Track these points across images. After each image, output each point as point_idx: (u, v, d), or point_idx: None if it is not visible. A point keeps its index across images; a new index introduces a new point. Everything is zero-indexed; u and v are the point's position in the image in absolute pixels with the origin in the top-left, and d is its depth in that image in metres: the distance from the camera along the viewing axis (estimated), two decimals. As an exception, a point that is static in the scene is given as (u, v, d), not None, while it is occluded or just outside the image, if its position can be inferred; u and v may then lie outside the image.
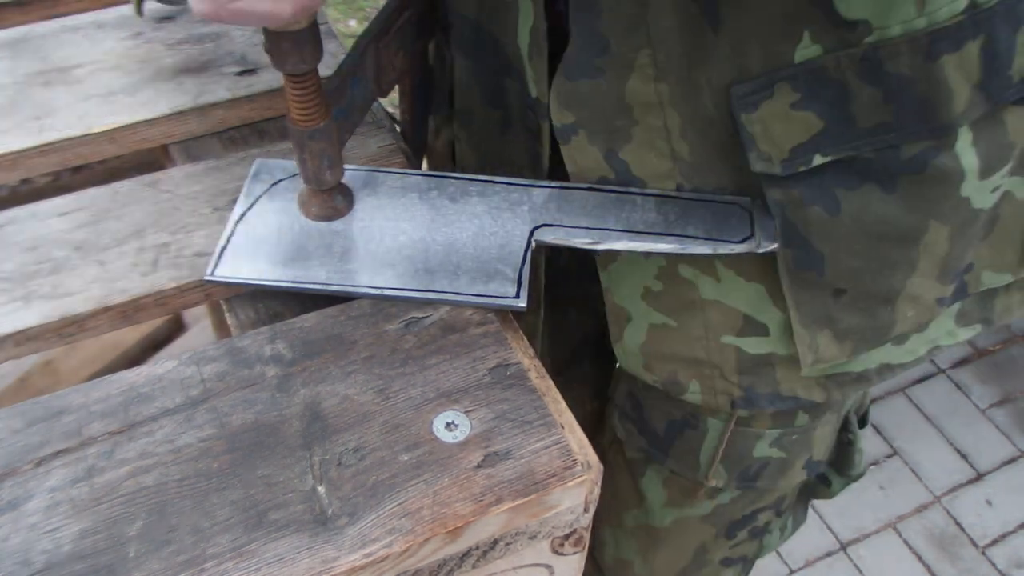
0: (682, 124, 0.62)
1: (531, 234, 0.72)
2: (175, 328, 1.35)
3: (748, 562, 0.95)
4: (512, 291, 0.68)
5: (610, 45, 0.60)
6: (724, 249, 0.72)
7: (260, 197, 0.74)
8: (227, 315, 0.70)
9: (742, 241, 0.73)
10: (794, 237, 0.62)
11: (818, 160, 0.58)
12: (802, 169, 0.59)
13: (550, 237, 0.72)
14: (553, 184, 0.77)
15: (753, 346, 0.68)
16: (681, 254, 0.67)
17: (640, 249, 0.73)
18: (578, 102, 0.65)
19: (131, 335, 1.30)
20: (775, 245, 0.70)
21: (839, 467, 0.90)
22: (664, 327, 0.71)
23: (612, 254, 0.72)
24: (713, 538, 0.87)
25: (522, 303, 0.67)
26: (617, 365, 0.86)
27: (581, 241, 0.72)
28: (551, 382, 0.63)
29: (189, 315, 1.36)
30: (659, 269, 0.69)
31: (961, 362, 1.94)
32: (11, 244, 0.71)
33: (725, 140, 0.61)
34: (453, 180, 0.77)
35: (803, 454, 0.79)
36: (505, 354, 0.64)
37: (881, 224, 0.60)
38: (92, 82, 0.86)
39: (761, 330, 0.67)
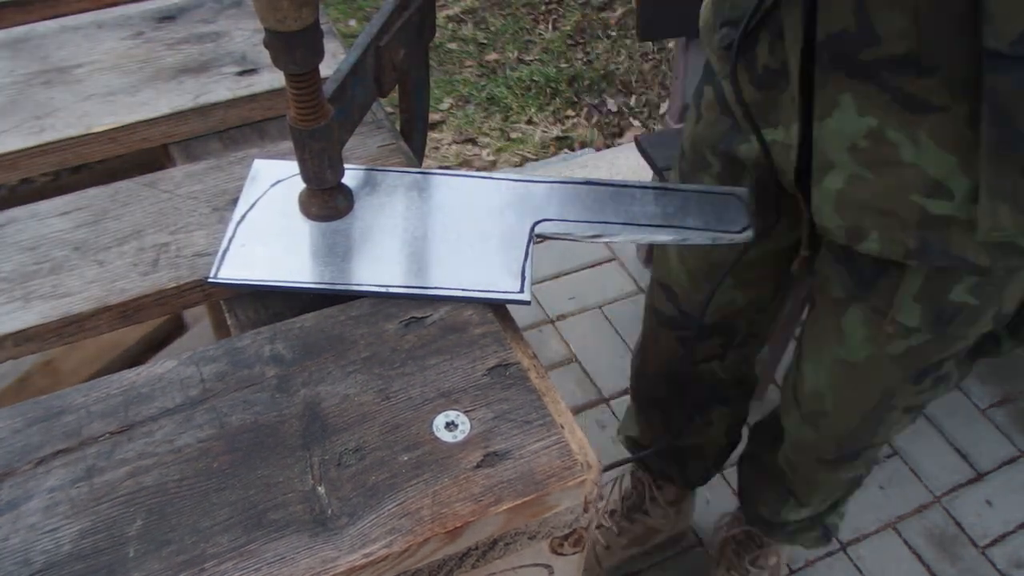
0: None
1: (532, 228, 0.72)
2: (175, 328, 1.35)
3: (918, 412, 1.04)
4: (516, 286, 0.68)
5: None
6: (724, 240, 0.73)
7: (260, 198, 0.74)
8: (227, 315, 0.70)
9: (741, 231, 0.73)
10: (1001, 118, 0.67)
11: None
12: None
13: (551, 231, 0.73)
14: (553, 179, 0.77)
15: (936, 207, 0.76)
16: (888, 120, 0.74)
17: (641, 241, 0.74)
18: None
19: (131, 335, 1.29)
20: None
21: (1014, 328, 0.96)
22: (861, 178, 0.78)
23: (830, 107, 0.77)
24: (901, 381, 0.95)
25: (526, 297, 0.67)
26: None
27: (582, 234, 0.73)
28: (551, 382, 0.63)
29: (189, 315, 1.36)
30: (868, 129, 0.75)
31: (961, 362, 1.94)
32: (11, 244, 0.71)
33: (963, 12, 0.65)
34: (454, 177, 0.77)
35: (993, 305, 0.86)
36: (505, 354, 0.64)
37: None
38: (92, 82, 0.86)
39: (947, 195, 0.74)
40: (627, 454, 1.68)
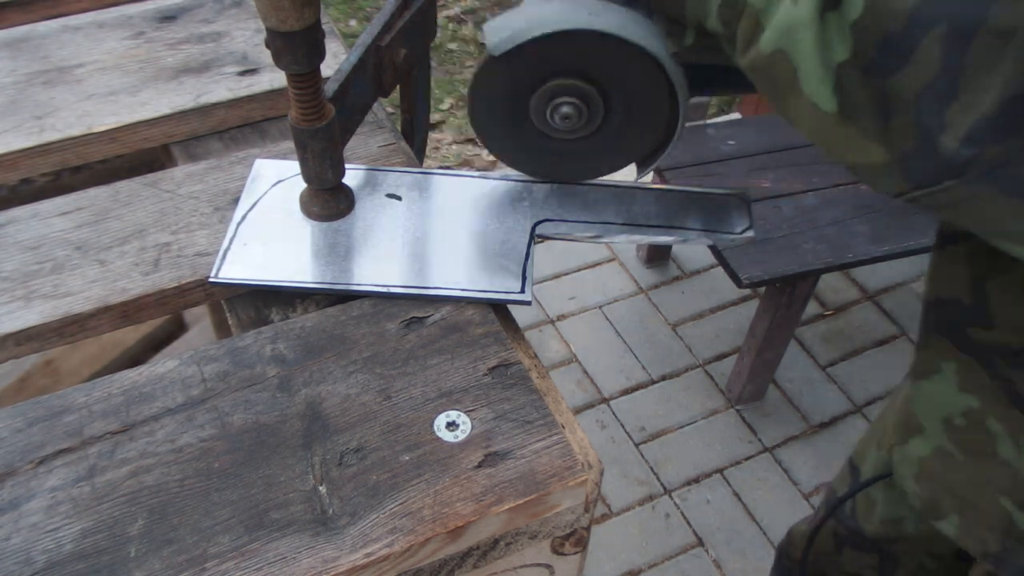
0: None
1: (533, 229, 0.72)
2: (176, 328, 1.35)
3: None
4: (517, 286, 0.68)
5: None
6: (724, 241, 0.73)
7: (261, 198, 0.74)
8: (228, 315, 0.70)
9: (742, 232, 0.73)
10: None
11: None
12: None
13: (552, 231, 0.73)
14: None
15: None
16: (993, 408, 0.66)
17: (641, 242, 0.74)
18: None
19: (132, 335, 1.29)
20: None
21: None
22: (951, 456, 0.72)
23: (931, 368, 0.71)
24: None
25: (527, 297, 0.67)
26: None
27: (583, 235, 0.73)
28: (552, 382, 0.63)
29: (190, 315, 1.35)
30: (968, 408, 0.69)
31: (961, 362, 1.94)
32: (12, 244, 0.71)
33: None
34: (454, 177, 0.77)
35: None
36: (506, 354, 0.64)
37: None
38: (93, 82, 0.86)
39: None
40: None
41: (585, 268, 2.11)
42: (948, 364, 0.69)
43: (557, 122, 0.68)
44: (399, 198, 0.72)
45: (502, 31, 0.64)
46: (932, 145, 0.45)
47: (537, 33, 0.63)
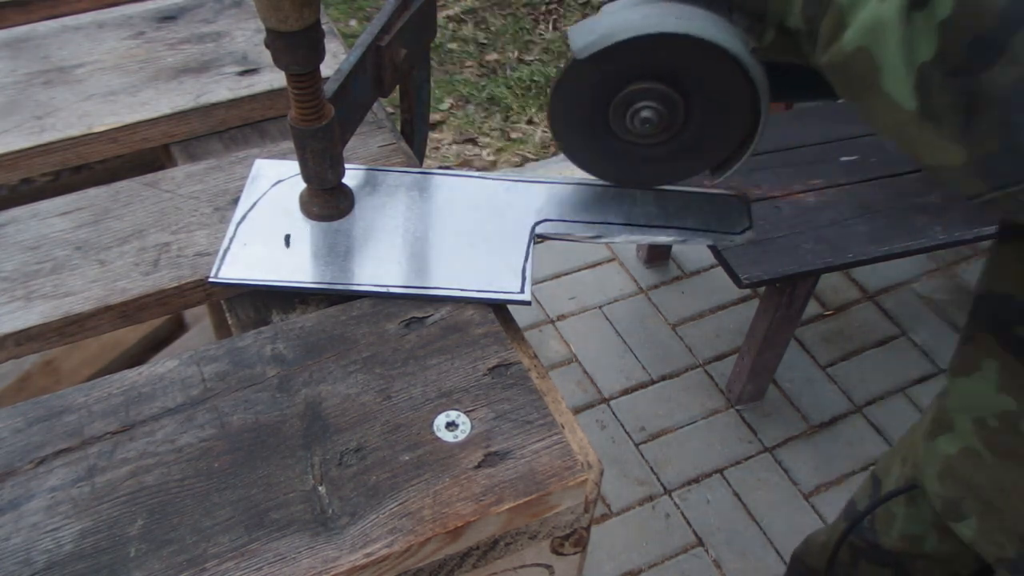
0: None
1: (533, 229, 0.72)
2: (175, 328, 1.35)
3: None
4: (516, 286, 0.68)
5: None
6: (724, 241, 0.73)
7: (261, 198, 0.74)
8: (228, 315, 0.70)
9: (742, 232, 0.73)
10: None
11: None
12: None
13: (552, 231, 0.73)
14: (553, 179, 0.77)
15: None
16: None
17: (641, 242, 0.74)
18: None
19: (131, 335, 1.29)
20: None
21: None
22: (978, 455, 0.71)
23: (971, 365, 0.70)
24: None
25: (526, 297, 0.67)
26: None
27: (583, 235, 0.73)
28: (552, 382, 0.63)
29: (189, 315, 1.36)
30: (1004, 410, 0.68)
31: (961, 362, 1.94)
32: (12, 244, 0.71)
33: None
34: (454, 177, 0.77)
35: None
36: (506, 354, 0.64)
37: None
38: (93, 82, 0.86)
39: None
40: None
41: (585, 268, 2.11)
42: (990, 362, 0.68)
43: (637, 126, 0.68)
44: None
45: (589, 34, 0.63)
46: (1019, 143, 0.45)
47: (625, 36, 0.62)
